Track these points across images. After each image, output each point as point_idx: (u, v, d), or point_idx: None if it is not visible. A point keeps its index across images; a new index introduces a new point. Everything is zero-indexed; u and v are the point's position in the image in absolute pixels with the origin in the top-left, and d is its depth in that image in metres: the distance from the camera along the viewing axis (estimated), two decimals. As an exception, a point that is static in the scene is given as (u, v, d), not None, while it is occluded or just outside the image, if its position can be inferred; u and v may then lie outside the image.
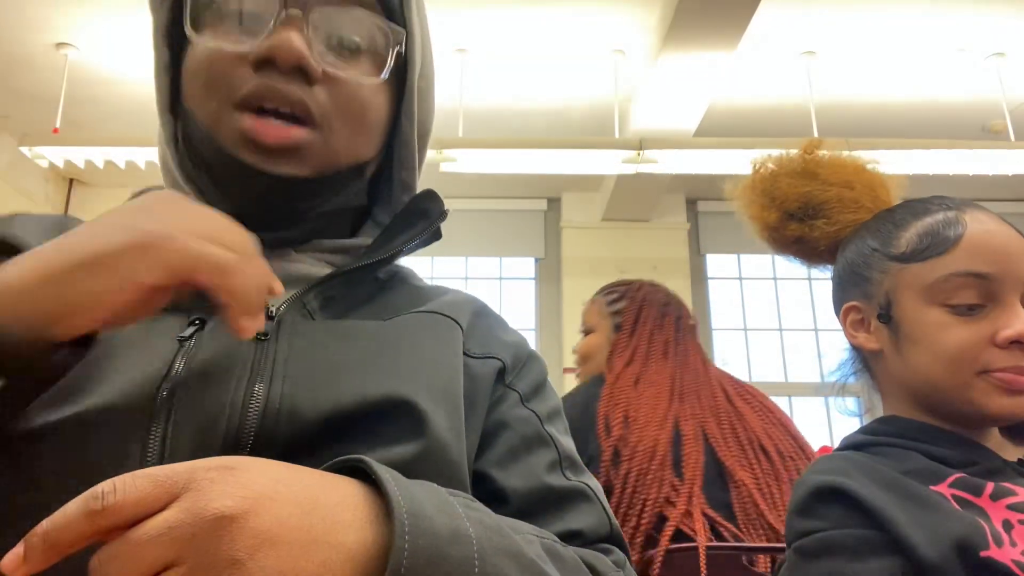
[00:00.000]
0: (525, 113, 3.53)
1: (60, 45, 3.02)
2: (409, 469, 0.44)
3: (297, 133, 0.52)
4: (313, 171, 0.55)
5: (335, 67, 0.53)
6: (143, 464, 0.44)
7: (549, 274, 4.28)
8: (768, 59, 3.14)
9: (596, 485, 0.60)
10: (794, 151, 0.91)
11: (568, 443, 0.61)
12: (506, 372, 0.60)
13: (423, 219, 0.62)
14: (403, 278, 0.65)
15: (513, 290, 4.36)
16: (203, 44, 0.53)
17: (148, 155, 3.12)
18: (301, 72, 0.52)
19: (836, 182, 0.87)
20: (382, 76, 0.55)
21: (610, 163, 3.17)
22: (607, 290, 1.75)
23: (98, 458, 0.44)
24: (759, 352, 4.20)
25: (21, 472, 0.44)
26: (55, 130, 3.12)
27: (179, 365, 0.48)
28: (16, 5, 2.82)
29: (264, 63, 0.51)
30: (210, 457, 0.37)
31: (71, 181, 4.16)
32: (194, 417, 0.46)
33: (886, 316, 0.79)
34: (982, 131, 3.60)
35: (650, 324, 1.60)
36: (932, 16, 2.87)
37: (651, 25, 2.87)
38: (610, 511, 0.59)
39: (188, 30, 0.53)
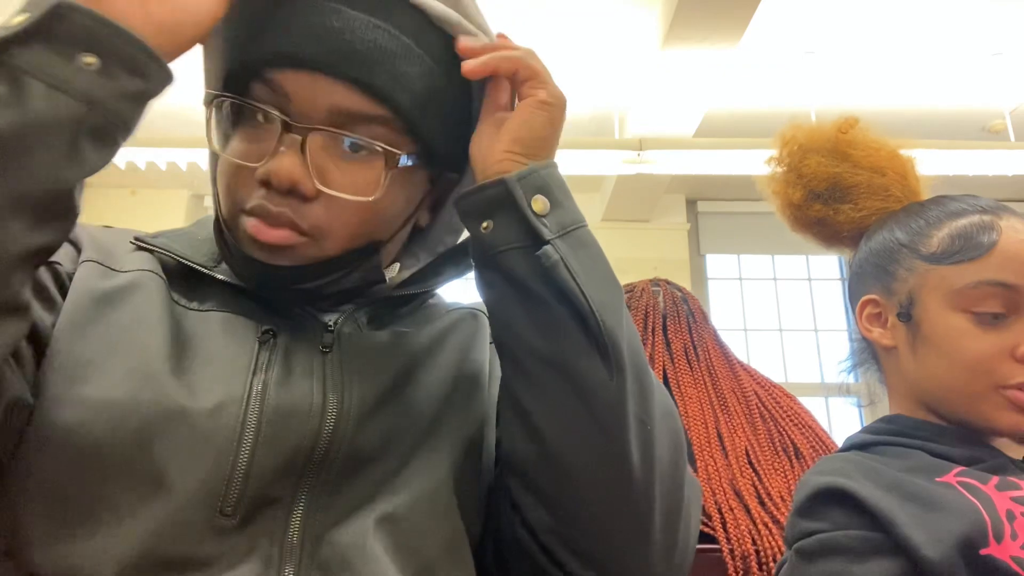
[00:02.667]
0: (525, 113, 3.53)
1: (60, 45, 3.02)
2: (455, 460, 0.58)
3: (288, 236, 0.57)
4: (308, 263, 0.60)
5: (330, 184, 0.57)
6: (241, 440, 0.51)
7: (549, 274, 4.27)
8: (768, 59, 3.14)
9: None
10: (826, 124, 0.87)
11: None
12: None
13: (467, 259, 0.69)
14: (438, 297, 0.74)
15: (513, 290, 4.34)
16: (223, 157, 0.60)
17: (148, 155, 3.12)
18: (297, 190, 0.56)
19: (868, 166, 0.85)
20: (374, 196, 0.58)
21: (610, 163, 3.17)
22: None
23: (203, 425, 0.51)
24: (759, 352, 4.20)
25: (129, 437, 0.50)
26: (55, 130, 3.11)
27: (263, 362, 0.56)
28: (16, 5, 2.81)
29: (265, 182, 0.57)
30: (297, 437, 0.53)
31: (71, 181, 4.15)
32: (283, 413, 0.54)
33: (906, 315, 0.77)
34: (982, 131, 3.60)
35: (660, 331, 1.51)
36: (932, 16, 2.87)
37: (651, 26, 2.87)
38: None
39: (212, 143, 0.60)
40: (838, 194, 0.85)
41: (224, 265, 0.63)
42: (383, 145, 0.58)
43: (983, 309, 0.72)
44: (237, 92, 0.58)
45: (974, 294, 0.73)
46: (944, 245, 0.75)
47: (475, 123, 0.63)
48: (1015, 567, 0.60)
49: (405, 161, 0.59)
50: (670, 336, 1.50)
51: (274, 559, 0.50)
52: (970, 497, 0.65)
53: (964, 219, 0.76)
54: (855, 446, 0.79)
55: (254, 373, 0.55)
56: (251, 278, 0.60)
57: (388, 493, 0.55)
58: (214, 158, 0.64)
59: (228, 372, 0.55)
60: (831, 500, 0.70)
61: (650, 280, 1.64)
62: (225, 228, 0.60)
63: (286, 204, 0.56)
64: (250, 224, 0.57)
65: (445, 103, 0.60)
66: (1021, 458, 0.75)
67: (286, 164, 0.55)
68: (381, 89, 0.56)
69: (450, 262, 0.70)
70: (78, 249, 0.59)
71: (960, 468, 0.69)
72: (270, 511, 0.52)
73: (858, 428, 0.84)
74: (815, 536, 0.69)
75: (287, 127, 0.56)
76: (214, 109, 0.59)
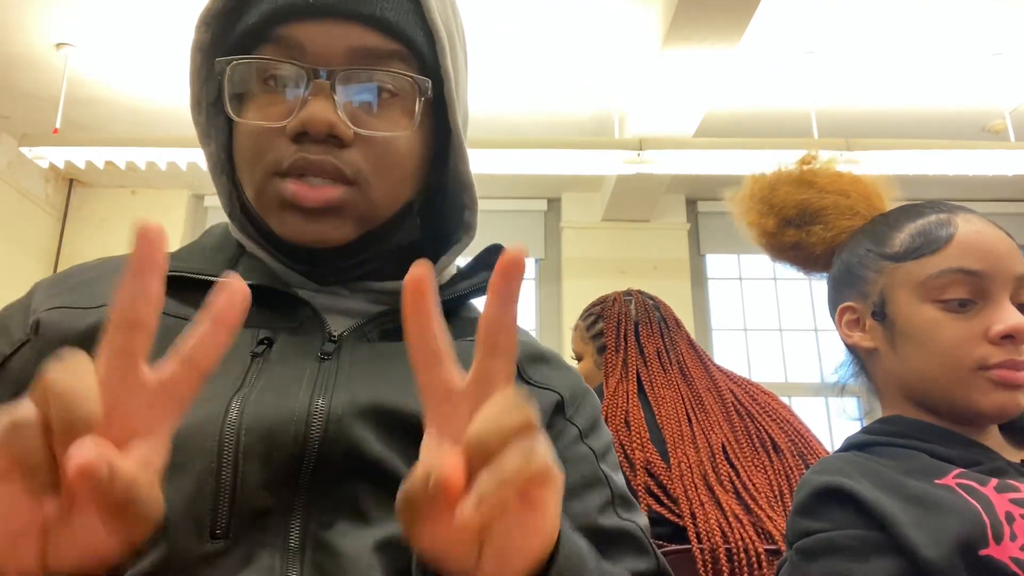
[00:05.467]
0: (525, 113, 3.54)
1: (60, 45, 3.02)
2: None
3: (335, 193, 0.56)
4: (355, 229, 0.58)
5: (365, 126, 0.56)
6: (221, 458, 0.49)
7: (549, 274, 4.28)
8: (768, 59, 3.15)
9: (644, 523, 0.61)
10: (790, 164, 0.94)
11: (620, 480, 0.63)
12: (565, 406, 0.63)
13: (486, 270, 0.66)
14: (458, 310, 0.68)
15: (513, 290, 4.35)
16: (244, 122, 0.57)
17: (148, 155, 3.12)
18: (334, 137, 0.55)
19: (833, 190, 0.90)
20: (410, 129, 0.58)
21: (610, 163, 3.17)
22: (585, 313, 1.74)
23: (180, 451, 0.48)
24: (759, 352, 4.20)
25: None
26: (55, 130, 3.11)
27: (252, 377, 0.54)
28: (16, 5, 2.82)
29: (300, 134, 0.55)
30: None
31: (71, 181, 4.16)
32: (264, 423, 0.51)
33: (880, 314, 0.80)
34: (982, 132, 3.61)
35: (632, 337, 1.58)
36: (932, 16, 2.87)
37: (651, 26, 2.87)
38: (656, 549, 0.61)
39: (229, 111, 0.58)
40: (808, 217, 0.91)
41: (242, 265, 0.62)
42: (410, 74, 0.57)
43: (949, 296, 0.76)
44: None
45: (939, 283, 0.76)
46: (906, 243, 0.80)
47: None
48: (1014, 568, 0.60)
49: (428, 91, 0.58)
50: (643, 341, 1.58)
51: (276, 568, 0.48)
52: (969, 499, 0.65)
53: (923, 219, 0.81)
54: (854, 446, 0.79)
55: (239, 389, 0.53)
56: (294, 258, 0.58)
57: (391, 509, 0.51)
58: (212, 158, 0.63)
59: (212, 391, 0.52)
60: (832, 499, 0.70)
61: (623, 291, 1.72)
62: (256, 206, 0.58)
63: (326, 152, 0.55)
64: (289, 188, 0.56)
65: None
66: (1020, 461, 0.75)
67: (320, 108, 0.54)
68: (394, 23, 0.56)
69: (468, 274, 0.67)
70: (25, 323, 0.57)
71: (959, 470, 0.70)
72: (265, 522, 0.49)
73: (858, 428, 0.84)
74: (815, 535, 0.69)
75: (313, 74, 0.55)
76: (226, 81, 0.58)
